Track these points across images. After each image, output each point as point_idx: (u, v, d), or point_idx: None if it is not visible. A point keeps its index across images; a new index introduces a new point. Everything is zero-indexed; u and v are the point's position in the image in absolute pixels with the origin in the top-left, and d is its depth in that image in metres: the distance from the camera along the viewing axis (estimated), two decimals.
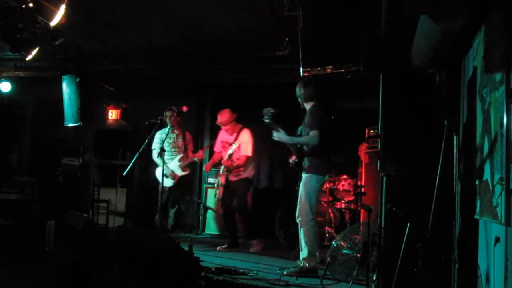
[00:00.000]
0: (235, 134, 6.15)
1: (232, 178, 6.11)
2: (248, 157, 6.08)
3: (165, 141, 6.30)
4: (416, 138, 3.73)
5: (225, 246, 6.03)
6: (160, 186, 5.88)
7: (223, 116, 6.17)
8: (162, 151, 5.78)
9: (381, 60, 3.88)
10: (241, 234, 6.27)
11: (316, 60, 3.87)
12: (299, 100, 4.93)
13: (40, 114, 8.70)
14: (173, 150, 6.55)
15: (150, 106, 7.60)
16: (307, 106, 4.87)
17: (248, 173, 6.16)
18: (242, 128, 6.18)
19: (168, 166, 6.44)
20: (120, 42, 6.42)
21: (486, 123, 3.10)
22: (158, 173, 6.38)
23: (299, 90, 4.89)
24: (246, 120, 6.28)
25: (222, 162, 6.19)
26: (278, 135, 4.85)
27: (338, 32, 3.75)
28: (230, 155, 6.02)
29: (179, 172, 6.51)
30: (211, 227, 7.28)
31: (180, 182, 6.54)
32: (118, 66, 7.19)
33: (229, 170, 6.13)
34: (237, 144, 5.99)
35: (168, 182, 6.44)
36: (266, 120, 4.98)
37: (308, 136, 4.68)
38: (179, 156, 6.53)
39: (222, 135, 6.34)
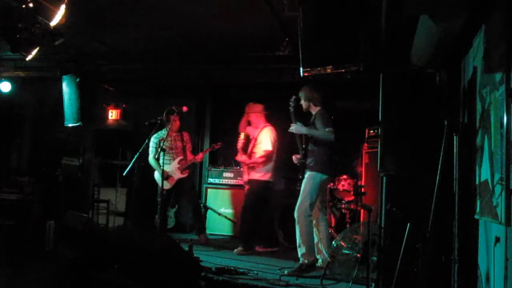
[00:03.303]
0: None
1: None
2: None
3: (163, 144, 6.24)
4: (416, 138, 3.73)
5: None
6: (159, 188, 5.90)
7: None
8: (159, 154, 5.70)
9: (381, 60, 3.89)
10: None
11: (316, 60, 3.87)
12: (305, 104, 4.99)
13: (40, 114, 8.68)
14: (171, 152, 6.52)
15: (150, 106, 7.58)
16: (314, 110, 4.94)
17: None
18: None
19: (167, 169, 6.40)
20: (120, 42, 6.41)
21: (486, 123, 3.10)
22: (156, 175, 6.46)
23: (305, 95, 4.95)
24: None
25: None
26: (296, 127, 4.93)
27: (338, 32, 3.74)
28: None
29: (178, 175, 6.48)
30: (211, 227, 7.26)
31: (178, 184, 6.53)
32: (118, 66, 7.18)
33: None
34: None
35: (165, 185, 6.41)
36: (291, 109, 5.05)
37: (325, 131, 4.75)
38: (178, 158, 6.49)
39: None
